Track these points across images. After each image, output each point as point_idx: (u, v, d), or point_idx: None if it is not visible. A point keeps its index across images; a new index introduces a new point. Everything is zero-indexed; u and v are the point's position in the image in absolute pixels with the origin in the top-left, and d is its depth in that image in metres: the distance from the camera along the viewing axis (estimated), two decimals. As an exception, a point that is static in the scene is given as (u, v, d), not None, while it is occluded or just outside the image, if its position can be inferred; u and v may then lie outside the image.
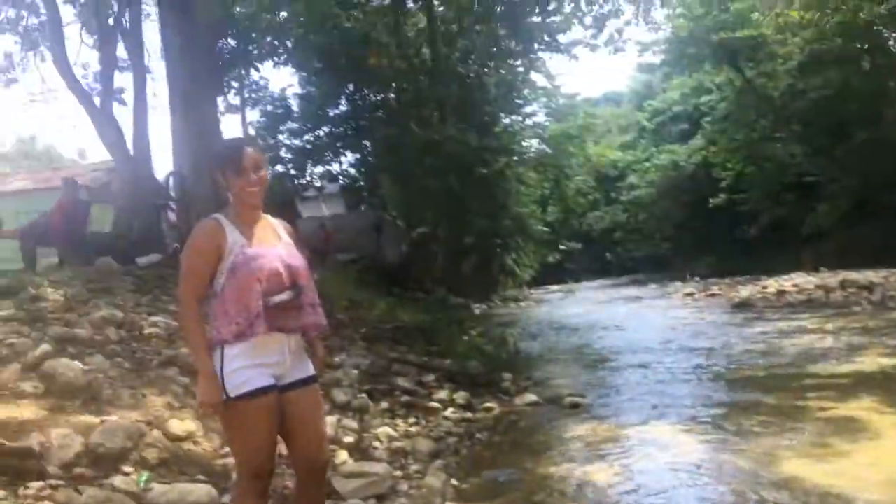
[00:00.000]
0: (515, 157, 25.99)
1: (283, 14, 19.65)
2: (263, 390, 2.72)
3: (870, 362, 7.97)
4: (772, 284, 17.99)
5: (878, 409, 5.72)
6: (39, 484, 3.69)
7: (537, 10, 23.47)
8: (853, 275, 16.04)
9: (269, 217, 3.00)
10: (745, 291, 17.82)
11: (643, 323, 13.87)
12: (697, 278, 25.86)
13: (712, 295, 18.85)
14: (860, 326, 10.99)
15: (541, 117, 29.16)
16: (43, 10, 14.78)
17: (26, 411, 4.40)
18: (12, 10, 16.46)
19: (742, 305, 15.72)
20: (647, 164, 42.04)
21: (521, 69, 26.78)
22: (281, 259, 2.82)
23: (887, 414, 5.55)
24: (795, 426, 5.40)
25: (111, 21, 14.24)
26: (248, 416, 2.72)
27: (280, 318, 2.77)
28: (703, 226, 35.61)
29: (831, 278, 16.52)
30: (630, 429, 5.79)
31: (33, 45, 17.33)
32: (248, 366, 2.72)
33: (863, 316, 12.42)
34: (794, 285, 17.06)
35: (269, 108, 25.19)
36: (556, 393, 7.41)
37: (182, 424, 4.70)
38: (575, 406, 6.78)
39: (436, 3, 23.65)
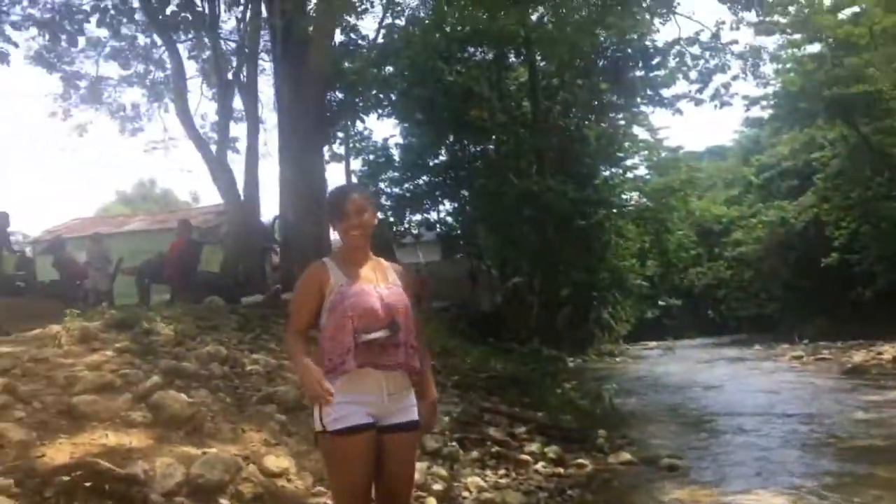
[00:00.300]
0: (615, 210, 25.70)
1: (389, 69, 20.36)
2: (360, 428, 2.78)
3: None
4: (888, 350, 16.92)
5: None
6: (143, 510, 3.85)
7: (640, 65, 23.40)
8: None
9: (381, 259, 3.12)
10: (858, 357, 16.81)
11: (747, 385, 13.26)
12: (806, 341, 24.58)
13: (822, 359, 17.87)
14: None
15: (642, 170, 28.83)
16: (169, 65, 15.83)
17: (134, 439, 4.61)
18: (141, 65, 17.75)
19: (854, 371, 14.79)
20: (754, 220, 40.56)
21: (622, 122, 26.63)
22: (380, 297, 2.89)
23: None
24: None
25: (230, 76, 15.11)
26: (343, 452, 2.79)
27: (373, 354, 2.83)
28: (814, 286, 33.87)
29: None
30: (731, 496, 5.54)
31: (158, 97, 18.57)
32: (345, 402, 2.78)
33: None
34: (913, 352, 15.99)
35: (372, 157, 25.91)
36: (653, 453, 7.16)
37: (277, 461, 4.81)
38: (672, 468, 6.53)
39: (537, 57, 23.94)
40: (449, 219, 27.16)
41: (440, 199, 26.44)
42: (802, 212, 35.09)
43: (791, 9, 21.37)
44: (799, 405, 10.33)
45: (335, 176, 26.04)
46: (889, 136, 28.97)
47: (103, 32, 16.40)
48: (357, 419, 2.78)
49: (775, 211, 37.75)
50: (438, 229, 26.60)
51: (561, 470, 6.50)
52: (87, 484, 3.85)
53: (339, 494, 2.89)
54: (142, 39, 17.17)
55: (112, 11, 15.27)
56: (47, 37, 15.26)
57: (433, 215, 26.66)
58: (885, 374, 14.08)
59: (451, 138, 25.06)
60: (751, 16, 18.35)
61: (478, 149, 25.86)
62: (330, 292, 2.90)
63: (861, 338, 21.93)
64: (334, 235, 3.47)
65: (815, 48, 27.73)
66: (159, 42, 16.03)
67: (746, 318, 42.02)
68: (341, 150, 23.32)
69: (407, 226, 25.62)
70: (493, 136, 25.14)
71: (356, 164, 25.31)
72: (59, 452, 4.20)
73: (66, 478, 3.85)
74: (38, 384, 5.27)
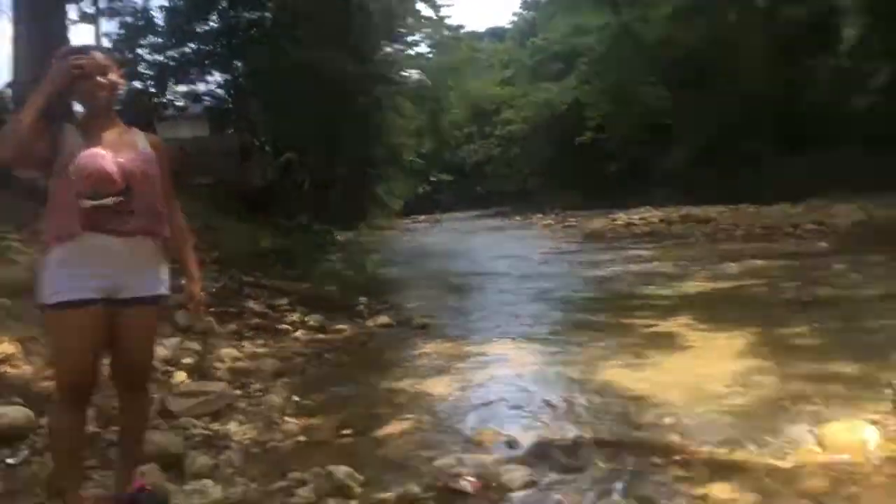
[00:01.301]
0: (394, 87, 25.60)
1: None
2: (80, 303, 2.60)
3: (692, 286, 8.93)
4: (621, 217, 19.05)
5: (692, 326, 6.39)
6: None
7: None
8: (693, 210, 17.36)
9: (133, 129, 2.86)
10: (597, 223, 18.80)
11: (500, 251, 14.39)
12: (558, 211, 26.75)
13: (568, 226, 19.76)
14: (691, 255, 12.17)
15: (423, 48, 28.80)
16: None
17: None
18: None
19: (593, 236, 16.73)
20: (524, 101, 42.56)
21: (406, -2, 26.14)
22: (117, 163, 2.65)
23: (698, 330, 6.21)
24: (619, 340, 5.95)
25: None
26: (61, 327, 2.64)
27: (102, 219, 2.63)
28: (571, 163, 36.77)
29: (674, 213, 17.77)
30: (472, 346, 6.09)
31: None
32: (68, 275, 2.60)
33: (696, 246, 13.59)
34: (641, 218, 18.21)
35: (129, 19, 23.48)
36: (408, 315, 7.63)
37: (1, 347, 4.49)
38: (423, 327, 7.03)
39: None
40: (220, 91, 25.59)
41: (209, 69, 24.70)
42: (565, 93, 37.35)
43: None
44: (543, 266, 11.53)
45: (83, 39, 23.19)
46: (647, 24, 31.20)
47: None
48: (78, 293, 2.59)
49: (542, 92, 39.83)
50: (206, 102, 25.04)
51: (321, 336, 6.72)
52: None
53: (59, 371, 2.75)
54: None
55: None
56: None
57: (201, 87, 24.93)
58: (618, 238, 16.09)
59: (225, 3, 23.30)
60: None
61: (254, 16, 24.30)
62: (61, 153, 2.63)
63: (605, 208, 24.41)
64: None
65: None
66: None
67: (511, 192, 44.76)
68: (91, 9, 20.93)
69: (171, 98, 23.81)
70: (270, 4, 23.72)
71: (110, 26, 22.88)
72: None
73: None
74: None
